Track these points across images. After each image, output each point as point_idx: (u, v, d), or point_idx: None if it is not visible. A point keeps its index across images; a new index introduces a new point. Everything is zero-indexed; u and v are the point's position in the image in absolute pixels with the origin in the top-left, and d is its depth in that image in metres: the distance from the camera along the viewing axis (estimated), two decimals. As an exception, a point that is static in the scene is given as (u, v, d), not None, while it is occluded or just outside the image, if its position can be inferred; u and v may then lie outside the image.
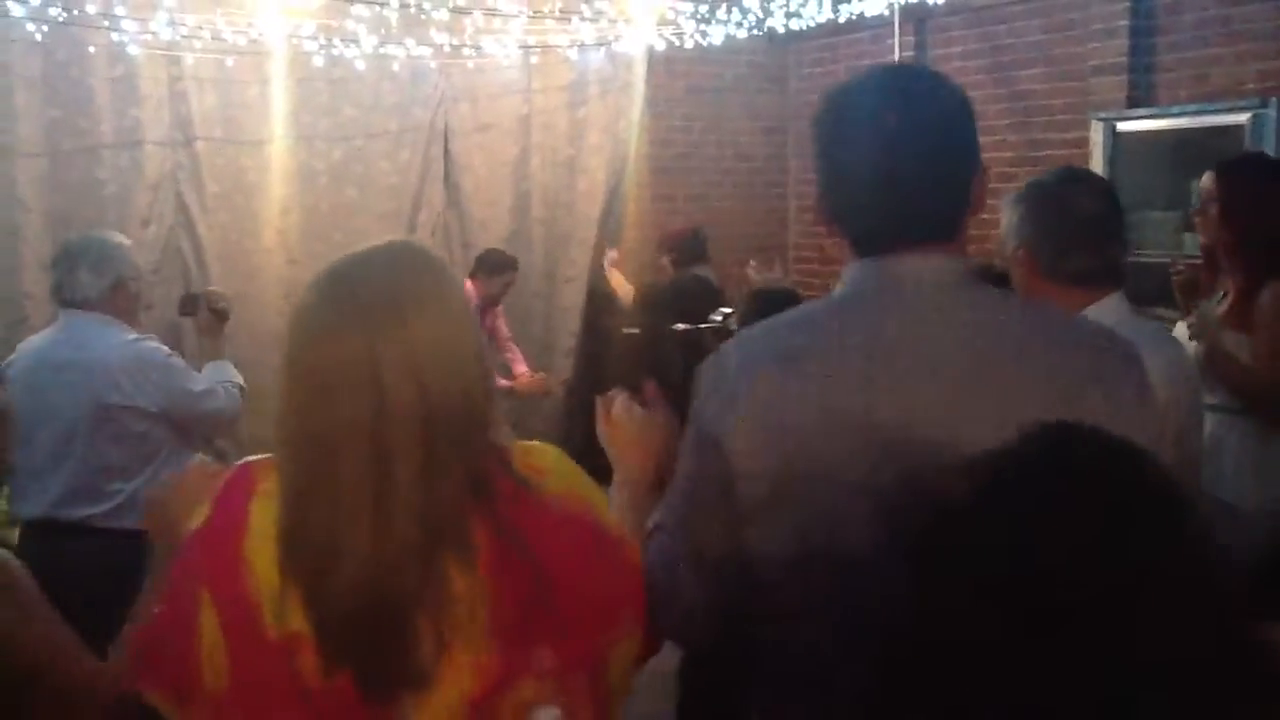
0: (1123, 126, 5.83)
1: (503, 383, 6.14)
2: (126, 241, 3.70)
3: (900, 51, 7.17)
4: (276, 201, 6.57)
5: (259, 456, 1.45)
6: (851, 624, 1.25)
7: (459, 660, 1.31)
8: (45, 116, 6.01)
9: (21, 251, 5.92)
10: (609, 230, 7.54)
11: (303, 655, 1.30)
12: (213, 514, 1.41)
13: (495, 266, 6.21)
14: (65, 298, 3.46)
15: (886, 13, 6.40)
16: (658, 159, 7.76)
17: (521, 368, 6.51)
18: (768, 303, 4.13)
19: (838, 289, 1.53)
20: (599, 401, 1.83)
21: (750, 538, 1.43)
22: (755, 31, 6.42)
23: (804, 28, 6.60)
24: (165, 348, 3.54)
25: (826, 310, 1.52)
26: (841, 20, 6.27)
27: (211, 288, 4.06)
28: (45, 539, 3.34)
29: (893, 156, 1.41)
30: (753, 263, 6.91)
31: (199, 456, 2.02)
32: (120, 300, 3.50)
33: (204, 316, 3.85)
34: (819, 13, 6.10)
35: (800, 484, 1.38)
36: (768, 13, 5.98)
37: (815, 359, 1.42)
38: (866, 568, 1.25)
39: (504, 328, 6.52)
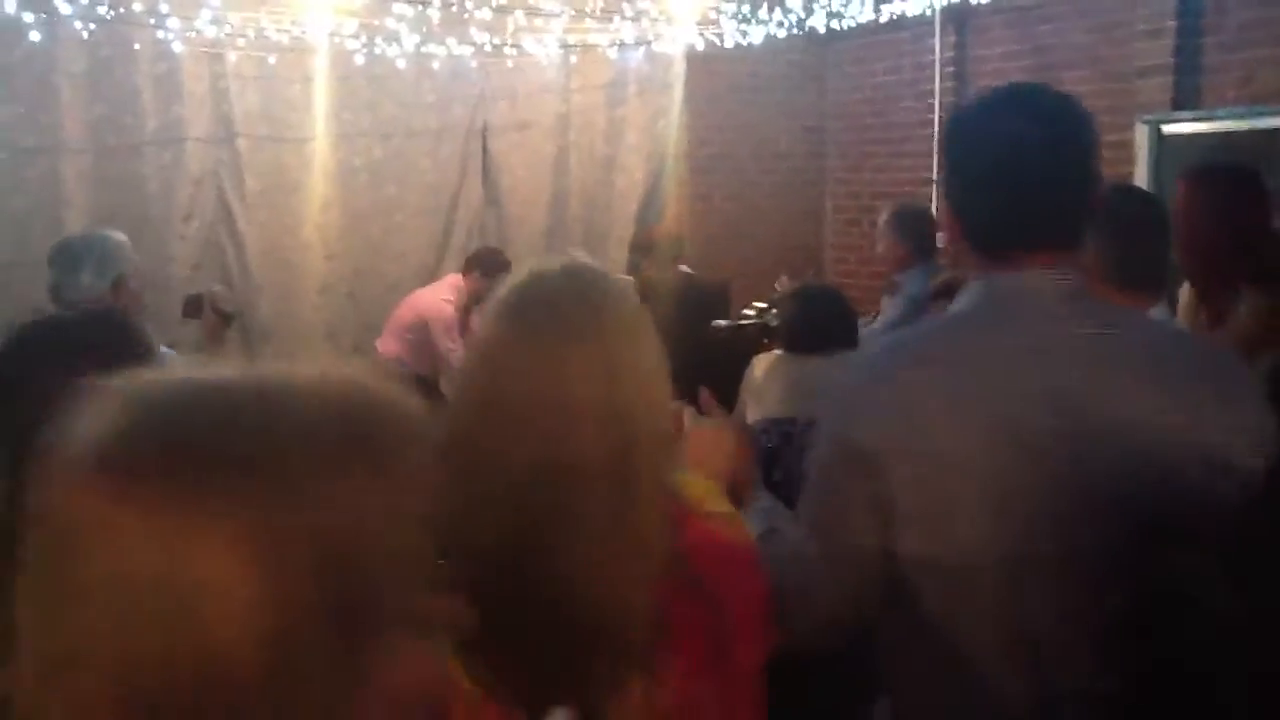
0: (1168, 129, 5.76)
1: None
2: (125, 239, 3.53)
3: (941, 52, 7.14)
4: (316, 198, 6.62)
5: None
6: (1032, 623, 1.38)
7: (633, 691, 1.26)
8: (90, 113, 6.07)
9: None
10: (645, 229, 7.54)
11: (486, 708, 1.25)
12: None
13: (491, 267, 6.04)
14: (65, 298, 3.24)
15: (928, 13, 6.35)
16: (696, 158, 7.75)
17: None
18: (811, 299, 4.12)
19: (968, 299, 1.55)
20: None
21: (905, 542, 1.46)
22: (796, 31, 6.38)
23: (844, 27, 6.57)
24: (170, 350, 3.39)
25: (966, 318, 1.56)
26: (882, 20, 6.22)
27: (216, 288, 3.88)
28: None
29: (1028, 167, 1.49)
30: (784, 278, 6.91)
31: None
32: (121, 300, 3.29)
33: (209, 318, 3.75)
34: (860, 12, 6.05)
35: (962, 487, 1.42)
36: (809, 12, 5.94)
37: (962, 363, 1.47)
38: (1064, 567, 1.38)
39: None
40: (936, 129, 7.21)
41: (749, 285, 7.52)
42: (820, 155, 8.20)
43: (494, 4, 5.59)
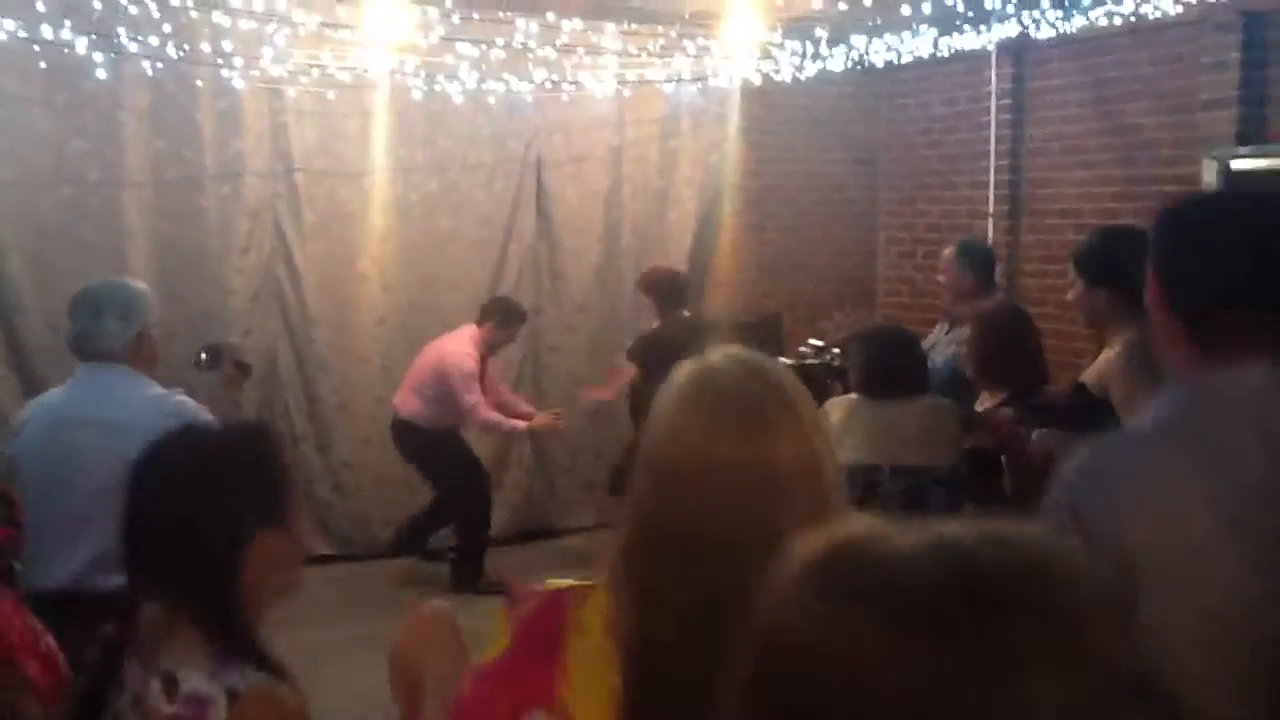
0: (1236, 164, 5.67)
1: (518, 425, 6.10)
2: (146, 288, 3.42)
3: (998, 84, 7.09)
4: (373, 231, 6.66)
5: (566, 583, 1.40)
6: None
7: None
8: (152, 147, 6.16)
9: (129, 277, 5.98)
10: (699, 261, 7.54)
11: None
12: (514, 645, 1.36)
13: (508, 317, 6.16)
14: (87, 348, 3.13)
15: (987, 47, 6.30)
16: (749, 189, 7.74)
17: (528, 408, 6.44)
18: (885, 342, 4.07)
19: (1187, 391, 1.63)
20: None
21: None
22: (855, 66, 6.35)
23: (899, 61, 6.53)
24: (193, 401, 3.26)
25: (1195, 409, 1.63)
26: (942, 54, 6.18)
27: (233, 340, 3.81)
28: (69, 613, 2.92)
29: (1257, 266, 1.59)
30: (836, 315, 6.86)
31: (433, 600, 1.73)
32: (144, 351, 3.22)
33: (228, 370, 3.63)
34: (917, 46, 6.01)
35: (1206, 568, 1.48)
36: (867, 47, 5.91)
37: (1193, 450, 1.55)
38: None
39: (498, 375, 6.45)
40: (993, 161, 7.17)
41: (802, 317, 7.51)
42: (874, 187, 8.16)
43: (556, 43, 5.59)
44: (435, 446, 6.09)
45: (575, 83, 6.30)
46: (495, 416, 6.02)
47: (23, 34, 5.02)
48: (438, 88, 5.96)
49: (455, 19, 5.31)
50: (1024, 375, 3.81)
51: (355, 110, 6.49)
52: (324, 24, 5.13)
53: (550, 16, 5.60)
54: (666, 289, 6.21)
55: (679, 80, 6.47)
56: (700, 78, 6.47)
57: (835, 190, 8.04)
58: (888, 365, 3.92)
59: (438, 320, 6.82)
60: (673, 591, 1.25)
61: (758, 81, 6.66)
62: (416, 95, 6.18)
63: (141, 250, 6.18)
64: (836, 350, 5.10)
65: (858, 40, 5.71)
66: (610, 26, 5.62)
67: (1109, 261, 3.39)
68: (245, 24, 5.16)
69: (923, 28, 5.51)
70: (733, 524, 1.25)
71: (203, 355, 3.68)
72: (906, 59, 6.30)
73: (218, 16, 5.12)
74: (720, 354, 1.38)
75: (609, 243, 7.27)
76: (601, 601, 1.33)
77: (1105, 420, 3.03)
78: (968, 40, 6.26)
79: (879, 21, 5.33)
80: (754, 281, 7.78)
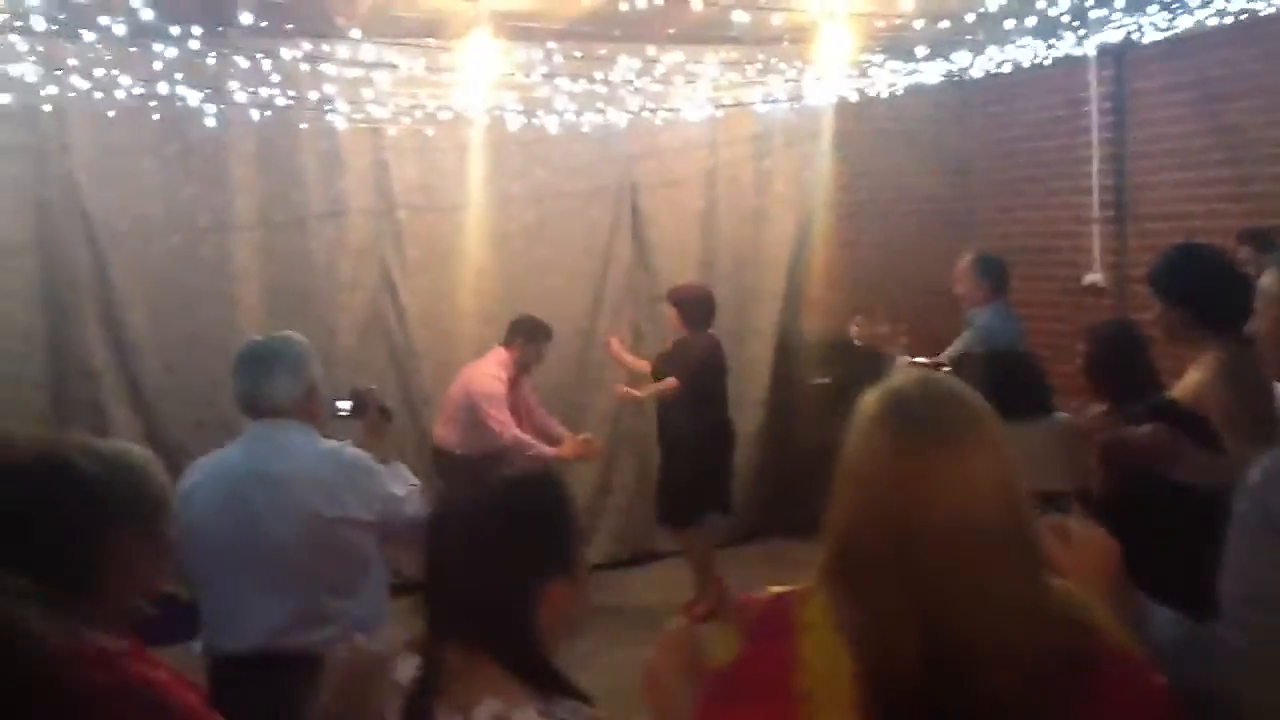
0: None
1: (546, 451, 5.96)
2: (307, 341, 3.30)
3: (1098, 87, 6.96)
4: (473, 264, 6.73)
5: (785, 588, 1.45)
6: None
7: None
8: (259, 191, 6.29)
9: (239, 320, 6.18)
10: (796, 280, 7.49)
11: None
12: (745, 650, 1.42)
13: (533, 333, 6.09)
14: (259, 405, 3.05)
15: (1091, 52, 6.19)
16: (842, 205, 7.67)
17: (562, 430, 6.31)
18: (1006, 361, 4.01)
19: None
20: (1048, 529, 1.77)
21: None
22: (953, 79, 6.28)
23: (994, 70, 6.43)
24: (364, 453, 3.19)
25: None
26: (1045, 62, 6.08)
27: (371, 386, 3.70)
28: (262, 674, 2.90)
29: None
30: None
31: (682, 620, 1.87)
32: (312, 405, 3.15)
33: (372, 416, 3.51)
34: (1016, 56, 5.91)
35: None
36: (970, 64, 5.83)
37: None
38: None
39: (533, 397, 6.35)
40: (1096, 165, 7.03)
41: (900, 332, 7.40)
42: (969, 197, 8.04)
43: (655, 75, 5.60)
44: (469, 473, 5.94)
45: (672, 109, 6.29)
46: (525, 438, 5.90)
47: (138, 90, 5.15)
48: (535, 122, 5.99)
49: (557, 58, 5.34)
50: (1134, 387, 3.67)
51: (453, 145, 6.57)
52: (428, 68, 5.19)
53: (651, 50, 5.61)
54: (695, 310, 6.21)
55: (773, 101, 6.43)
56: (795, 97, 6.43)
57: (929, 202, 7.94)
58: (1010, 385, 3.85)
59: (539, 350, 6.88)
60: (882, 602, 1.31)
61: (853, 99, 6.60)
62: (512, 127, 6.23)
63: (251, 292, 6.32)
64: (947, 369, 5.07)
65: (959, 57, 5.64)
66: (710, 56, 5.62)
67: (1185, 280, 3.39)
68: (351, 71, 5.23)
69: (1025, 39, 5.42)
70: (931, 539, 1.30)
71: (341, 403, 3.51)
72: (1009, 66, 6.19)
73: (325, 68, 5.21)
74: (908, 375, 1.46)
75: (706, 265, 7.26)
76: (822, 600, 1.39)
77: (1204, 433, 2.95)
78: (1066, 45, 6.16)
79: (982, 37, 5.25)
80: (848, 295, 7.69)
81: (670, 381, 6.07)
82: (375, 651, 1.78)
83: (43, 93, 5.19)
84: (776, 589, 1.47)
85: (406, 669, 1.71)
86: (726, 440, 6.36)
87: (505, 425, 5.81)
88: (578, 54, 5.42)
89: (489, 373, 5.94)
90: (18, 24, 4.34)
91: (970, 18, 5.07)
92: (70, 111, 5.75)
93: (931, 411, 1.39)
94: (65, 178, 5.94)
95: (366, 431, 3.45)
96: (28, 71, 4.90)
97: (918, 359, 5.59)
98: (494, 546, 1.70)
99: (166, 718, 1.74)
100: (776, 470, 7.39)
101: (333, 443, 3.10)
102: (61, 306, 6.04)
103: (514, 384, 6.03)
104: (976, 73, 6.07)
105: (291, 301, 6.42)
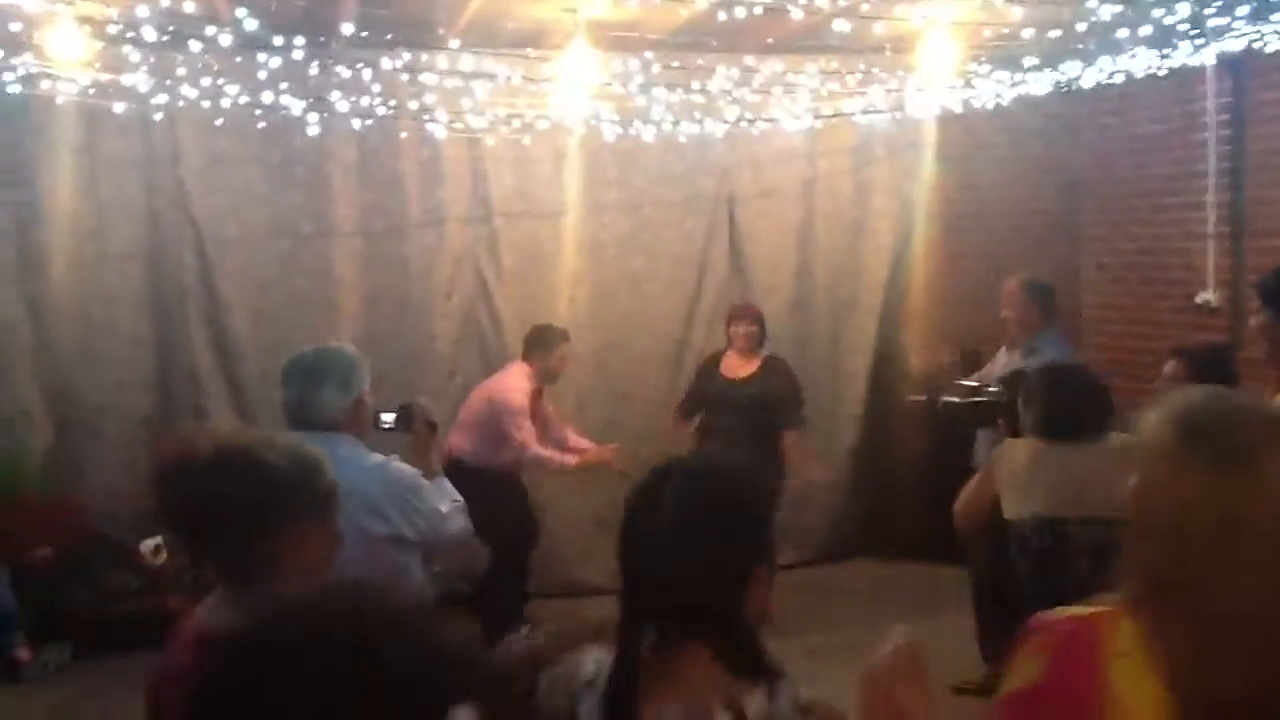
0: None
1: (568, 460, 5.90)
2: (357, 351, 3.25)
3: (1216, 99, 6.69)
4: (567, 273, 6.74)
5: (1087, 610, 1.42)
6: None
7: None
8: (360, 199, 6.39)
9: (339, 326, 6.28)
10: (895, 293, 7.35)
11: None
12: (1049, 674, 1.38)
13: (547, 341, 5.94)
14: (307, 418, 2.97)
15: (1210, 62, 5.95)
16: (945, 217, 7.50)
17: (585, 442, 6.17)
18: (1066, 380, 3.88)
19: None
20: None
21: None
22: (1063, 89, 6.09)
23: (1106, 81, 6.21)
24: (409, 467, 3.13)
25: None
26: (1160, 73, 5.86)
27: (422, 399, 3.52)
28: None
29: None
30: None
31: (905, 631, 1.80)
32: (360, 417, 3.09)
33: (419, 430, 3.39)
34: (1130, 67, 5.71)
35: None
36: (1080, 73, 5.65)
37: None
38: None
39: (550, 409, 6.20)
40: (1213, 180, 6.76)
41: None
42: (1077, 211, 7.79)
43: (753, 85, 5.54)
44: (479, 485, 5.72)
45: (771, 120, 6.21)
46: (546, 452, 5.84)
47: (244, 100, 5.26)
48: (633, 131, 5.97)
49: (655, 68, 5.31)
50: None
51: (549, 153, 6.59)
52: (527, 78, 5.20)
53: (750, 60, 5.55)
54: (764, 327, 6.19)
55: (874, 111, 6.31)
56: (896, 108, 6.30)
57: (1036, 216, 7.72)
58: (1070, 406, 3.74)
59: (633, 360, 6.86)
60: (1206, 633, 1.27)
61: (957, 110, 6.44)
62: (608, 136, 6.21)
63: (351, 299, 6.42)
64: (995, 388, 4.94)
65: (1069, 67, 5.46)
66: (810, 66, 5.54)
67: None
68: (450, 81, 5.27)
69: (1138, 49, 5.23)
70: (1259, 563, 1.25)
71: (385, 415, 3.41)
72: (1119, 78, 5.98)
73: (425, 78, 5.26)
74: (1189, 398, 1.41)
75: (802, 278, 7.16)
76: (1130, 627, 1.35)
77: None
78: (1183, 55, 5.93)
79: (1093, 47, 5.08)
80: (952, 311, 7.52)
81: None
82: (539, 645, 1.74)
83: (154, 102, 5.32)
84: (1076, 611, 1.43)
85: (587, 665, 1.64)
86: None
87: (528, 440, 5.76)
88: (675, 64, 5.38)
89: (513, 385, 5.86)
90: (130, 35, 4.46)
91: (1081, 27, 4.90)
92: (180, 120, 5.91)
93: (1233, 432, 1.34)
94: (175, 186, 6.10)
95: (412, 446, 3.37)
96: (140, 82, 5.03)
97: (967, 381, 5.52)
98: (715, 533, 1.63)
99: None
100: (871, 488, 7.26)
101: (379, 457, 3.05)
102: (168, 311, 6.21)
103: (536, 396, 5.94)
104: (1087, 83, 5.87)
105: (389, 308, 6.51)
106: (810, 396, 6.63)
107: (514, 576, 6.04)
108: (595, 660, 1.63)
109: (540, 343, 5.96)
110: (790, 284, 7.08)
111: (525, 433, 5.76)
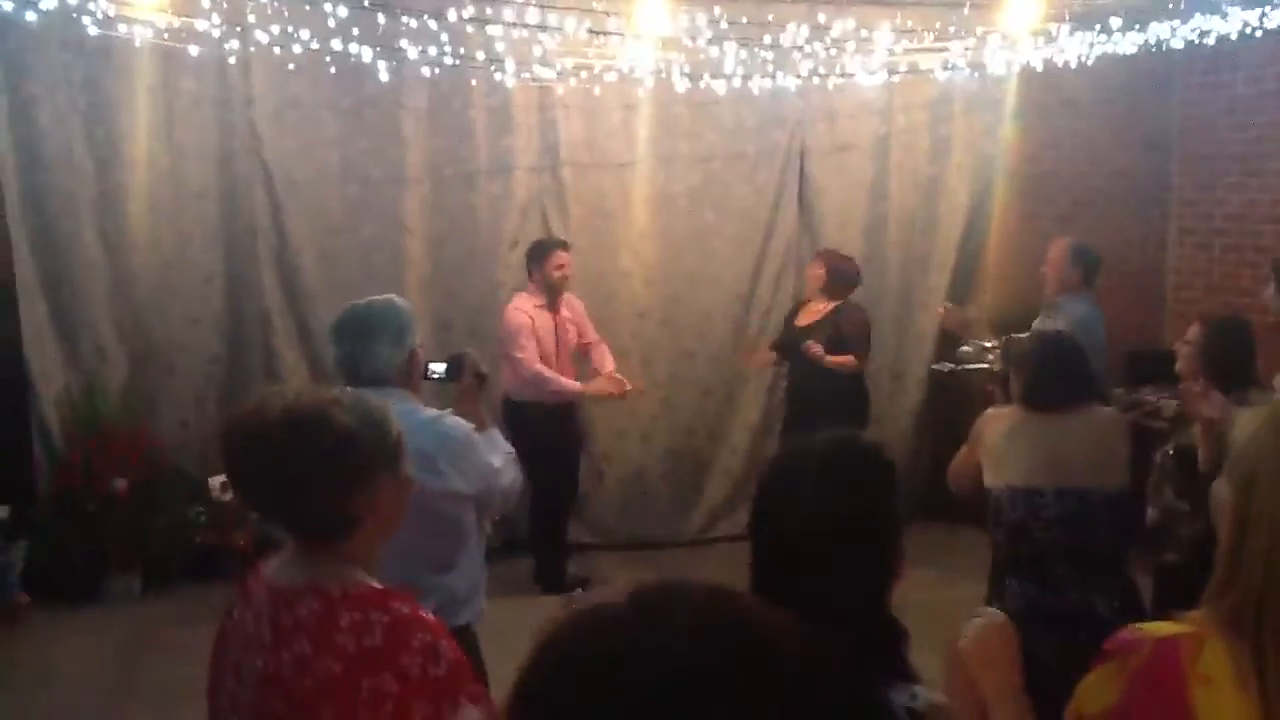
0: None
1: (572, 385, 5.87)
2: (410, 305, 3.19)
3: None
4: (635, 225, 6.70)
5: (1169, 629, 1.35)
6: None
7: None
8: (429, 146, 6.39)
9: (405, 272, 6.34)
10: (969, 251, 7.20)
11: None
12: (1127, 699, 1.33)
13: (540, 253, 5.88)
14: (360, 373, 2.94)
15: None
16: (1024, 176, 7.30)
17: (609, 364, 6.11)
18: (1052, 349, 3.77)
19: None
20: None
21: None
22: (1151, 49, 5.85)
23: (1199, 41, 5.95)
24: (463, 421, 3.09)
25: None
26: (1256, 34, 5.60)
27: (469, 350, 3.48)
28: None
29: None
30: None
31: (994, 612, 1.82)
32: (413, 371, 3.06)
33: (467, 381, 3.36)
34: (1222, 28, 5.46)
35: None
36: (1171, 34, 5.42)
37: None
38: None
39: (581, 325, 6.15)
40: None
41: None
42: (1164, 173, 7.54)
43: (827, 40, 5.41)
44: (525, 423, 5.73)
45: (845, 75, 6.07)
46: (547, 372, 5.77)
47: (315, 46, 5.27)
48: (703, 84, 5.88)
49: (723, 24, 5.21)
50: (1242, 377, 3.81)
51: (620, 104, 6.52)
52: (592, 30, 5.13)
53: (822, 18, 5.41)
54: (845, 272, 6.10)
55: (952, 69, 6.13)
56: (976, 66, 6.11)
57: (1120, 177, 7.48)
58: (1055, 374, 3.66)
59: (699, 315, 6.82)
60: None
61: (1039, 69, 6.23)
62: (679, 87, 6.12)
63: (418, 245, 6.45)
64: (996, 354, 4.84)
65: (1159, 29, 5.24)
66: (884, 24, 5.38)
67: None
68: (518, 31, 5.23)
69: (1233, 9, 5.00)
70: None
71: (433, 367, 3.39)
72: (1220, 36, 5.72)
73: (492, 29, 5.21)
74: None
75: (874, 235, 7.03)
76: (1221, 650, 1.27)
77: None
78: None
79: (1184, 6, 4.86)
80: (1027, 274, 7.33)
81: (849, 360, 5.95)
82: None
83: (227, 46, 5.36)
84: (1158, 630, 1.35)
85: None
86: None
87: (528, 358, 5.74)
88: (744, 19, 5.28)
89: (514, 305, 5.90)
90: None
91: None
92: (253, 64, 5.96)
93: None
94: (247, 128, 6.17)
95: (459, 396, 3.34)
96: (212, 27, 5.07)
97: (969, 345, 5.48)
98: (860, 525, 1.62)
99: (437, 661, 1.77)
100: (933, 450, 7.17)
101: (433, 411, 3.02)
102: (240, 251, 6.31)
103: (552, 311, 5.93)
104: (1177, 43, 5.63)
105: (456, 255, 6.53)
106: (877, 354, 6.55)
107: (549, 524, 6.12)
108: None
109: (535, 256, 5.95)
110: (860, 240, 6.95)
111: (525, 351, 5.77)
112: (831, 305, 6.07)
